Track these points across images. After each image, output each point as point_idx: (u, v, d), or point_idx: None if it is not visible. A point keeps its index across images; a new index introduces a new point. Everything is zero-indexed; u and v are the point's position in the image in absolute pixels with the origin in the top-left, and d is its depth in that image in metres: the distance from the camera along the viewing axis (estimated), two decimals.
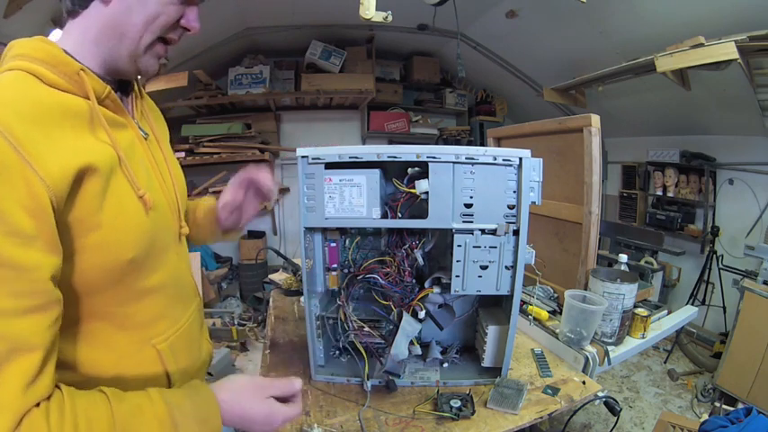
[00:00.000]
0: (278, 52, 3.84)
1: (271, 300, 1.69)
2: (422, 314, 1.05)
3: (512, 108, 4.47)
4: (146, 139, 0.69)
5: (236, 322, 3.07)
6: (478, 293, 1.01)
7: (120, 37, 0.59)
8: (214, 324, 3.00)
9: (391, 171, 1.03)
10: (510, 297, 1.00)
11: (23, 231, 0.45)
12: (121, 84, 0.69)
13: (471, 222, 0.96)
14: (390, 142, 4.12)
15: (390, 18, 1.35)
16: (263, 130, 3.90)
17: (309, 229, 1.04)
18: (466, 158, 0.93)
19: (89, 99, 0.56)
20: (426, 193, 0.96)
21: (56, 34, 1.70)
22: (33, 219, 0.46)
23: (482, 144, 3.72)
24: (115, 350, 0.62)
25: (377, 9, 1.31)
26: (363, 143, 4.17)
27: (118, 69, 0.63)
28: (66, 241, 0.51)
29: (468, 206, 0.96)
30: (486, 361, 1.09)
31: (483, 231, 0.96)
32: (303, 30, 3.51)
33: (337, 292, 1.10)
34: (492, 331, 1.05)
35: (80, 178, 0.51)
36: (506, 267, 0.98)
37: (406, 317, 1.02)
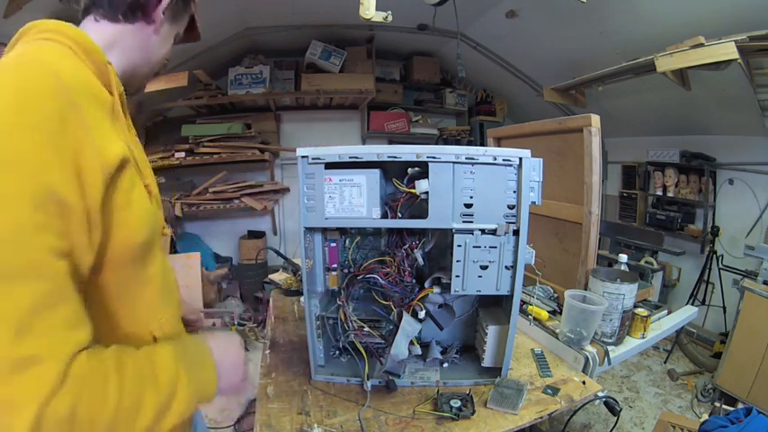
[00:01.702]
0: (278, 52, 3.84)
1: (271, 300, 1.70)
2: (422, 314, 1.05)
3: (512, 108, 4.46)
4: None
5: (236, 322, 3.06)
6: (478, 293, 1.01)
7: (148, 59, 0.70)
8: (214, 324, 3.00)
9: (391, 171, 1.03)
10: (510, 297, 1.00)
11: (65, 200, 0.45)
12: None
13: (471, 222, 0.96)
14: (390, 142, 4.12)
15: (390, 18, 1.35)
16: (263, 130, 3.89)
17: (309, 229, 1.04)
18: (466, 158, 0.93)
19: (111, 92, 0.59)
20: (426, 193, 0.96)
21: None
22: (78, 195, 0.47)
23: (482, 144, 3.72)
24: (115, 331, 0.63)
25: (377, 9, 1.31)
26: (363, 143, 4.17)
27: (131, 81, 0.70)
28: (105, 215, 0.53)
29: (468, 206, 0.96)
30: (486, 361, 1.09)
31: (483, 231, 0.96)
32: (303, 30, 3.51)
33: (337, 292, 1.10)
34: (492, 331, 1.05)
35: (123, 165, 0.54)
36: (506, 267, 0.98)
37: (406, 317, 1.02)
